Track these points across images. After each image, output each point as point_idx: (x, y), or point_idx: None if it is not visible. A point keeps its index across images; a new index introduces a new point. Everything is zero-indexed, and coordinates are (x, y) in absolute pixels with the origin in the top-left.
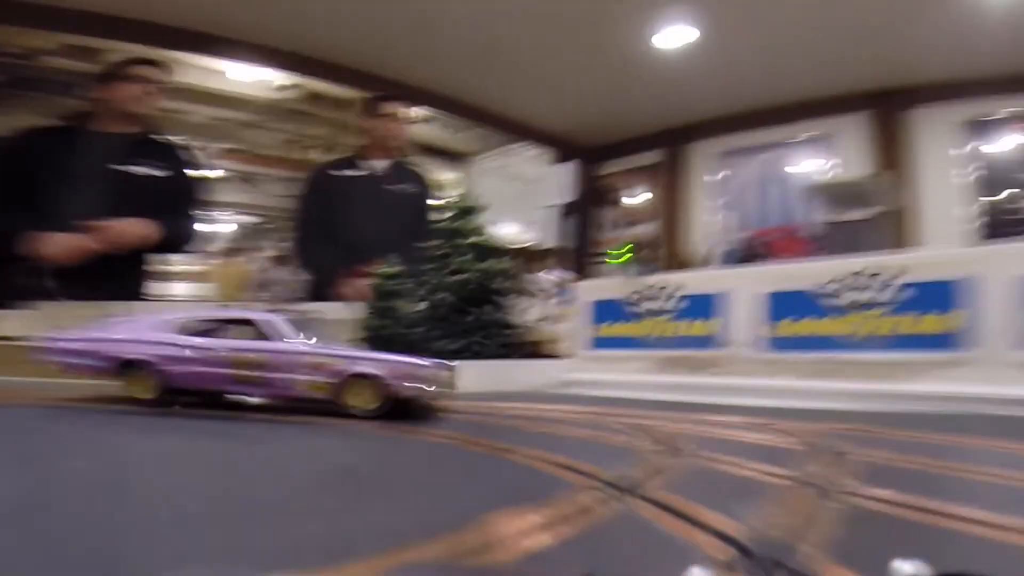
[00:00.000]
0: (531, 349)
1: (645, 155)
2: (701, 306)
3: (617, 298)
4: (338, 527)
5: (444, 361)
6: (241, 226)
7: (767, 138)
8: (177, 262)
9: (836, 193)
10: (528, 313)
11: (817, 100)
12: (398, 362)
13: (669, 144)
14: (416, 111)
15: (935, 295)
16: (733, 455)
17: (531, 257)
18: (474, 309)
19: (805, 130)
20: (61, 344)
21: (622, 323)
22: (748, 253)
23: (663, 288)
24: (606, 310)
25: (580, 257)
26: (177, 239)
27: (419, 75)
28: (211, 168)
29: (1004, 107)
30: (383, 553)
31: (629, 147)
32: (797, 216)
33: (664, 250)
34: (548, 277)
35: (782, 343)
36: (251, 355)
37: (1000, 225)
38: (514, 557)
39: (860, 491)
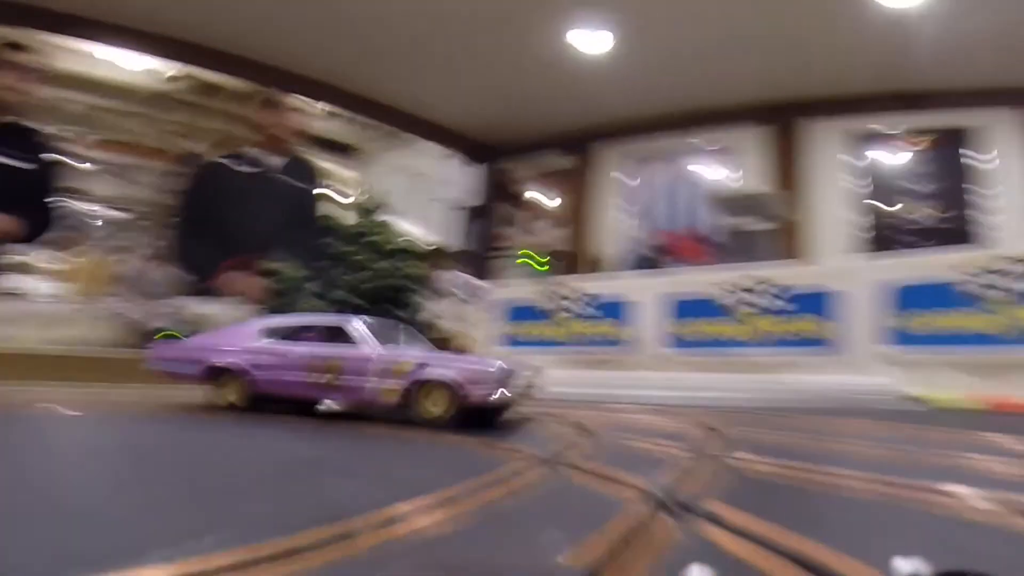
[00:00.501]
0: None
1: (555, 157)
2: (612, 309)
3: (530, 300)
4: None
5: (527, 362)
6: (113, 220)
7: (675, 144)
8: (38, 258)
9: (736, 204)
10: (438, 313)
11: (723, 109)
12: (470, 366)
13: (579, 146)
14: (314, 105)
15: (813, 302)
16: (641, 435)
17: (439, 257)
18: (383, 308)
19: (711, 138)
20: (161, 351)
21: (535, 323)
22: (654, 256)
23: (576, 292)
24: (519, 311)
25: (483, 257)
26: (37, 233)
27: (319, 68)
28: (83, 159)
29: (892, 122)
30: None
31: (538, 148)
32: (701, 221)
33: (574, 252)
34: (458, 278)
35: (684, 342)
36: (326, 360)
37: (885, 235)
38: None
39: (747, 460)
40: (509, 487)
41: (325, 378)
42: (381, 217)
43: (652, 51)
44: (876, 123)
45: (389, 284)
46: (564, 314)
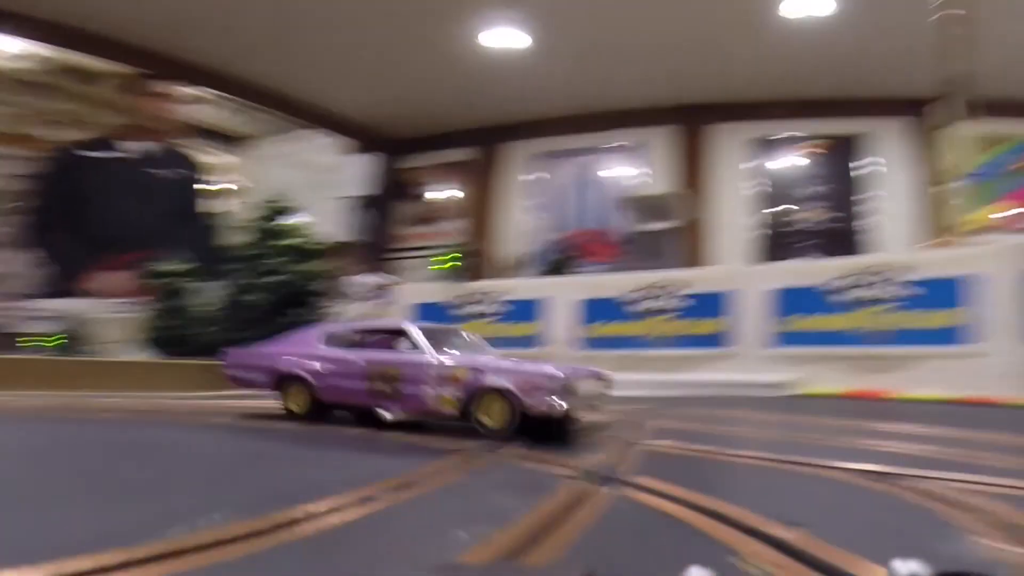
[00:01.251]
0: None
1: (458, 151)
2: (524, 310)
3: (441, 301)
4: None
5: (597, 369)
6: None
7: (584, 143)
8: None
9: (641, 205)
10: (347, 314)
11: (633, 110)
12: (532, 373)
13: (485, 142)
14: (191, 90)
15: (709, 304)
16: None
17: (345, 256)
18: (291, 310)
19: (621, 138)
20: (234, 358)
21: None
22: (561, 254)
23: (487, 293)
24: (430, 312)
25: (377, 252)
26: None
27: (197, 51)
28: None
29: (789, 128)
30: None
31: (441, 142)
32: (608, 220)
33: (483, 252)
34: (367, 279)
35: (594, 342)
36: (383, 367)
37: (780, 237)
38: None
39: (654, 442)
40: (465, 465)
41: (382, 386)
42: (286, 215)
43: (567, 51)
44: (775, 129)
45: (295, 285)
46: (480, 317)
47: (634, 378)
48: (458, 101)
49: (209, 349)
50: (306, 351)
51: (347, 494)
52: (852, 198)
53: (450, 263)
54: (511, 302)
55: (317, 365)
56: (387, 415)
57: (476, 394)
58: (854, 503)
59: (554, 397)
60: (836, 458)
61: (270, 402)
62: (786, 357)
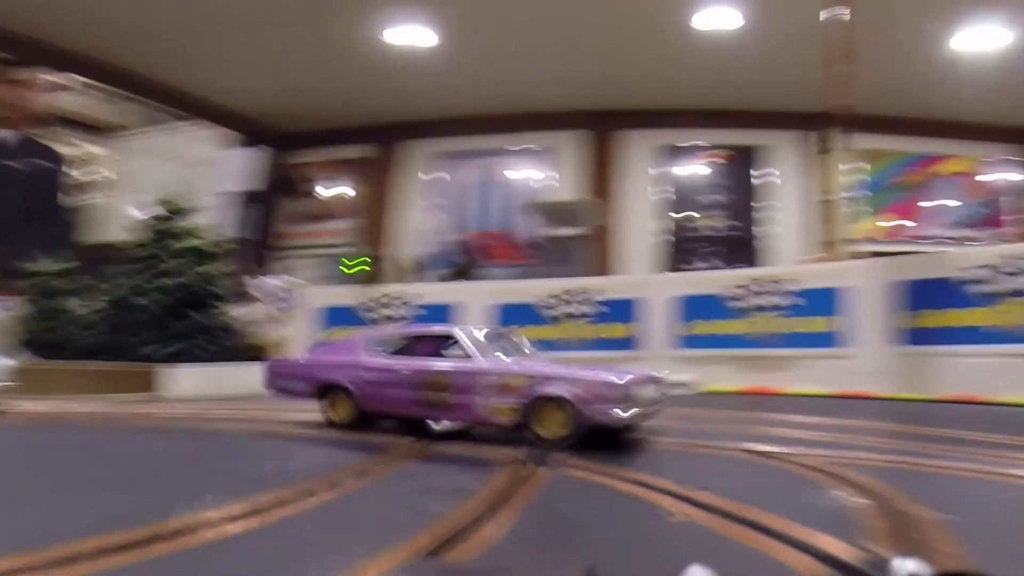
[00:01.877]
0: (253, 352)
1: (355, 148)
2: (437, 315)
3: (348, 305)
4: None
5: (653, 373)
6: None
7: (490, 144)
8: None
9: (550, 211)
10: (250, 316)
11: (541, 113)
12: (593, 381)
13: (385, 139)
14: (55, 77)
15: (620, 309)
16: None
17: (238, 257)
18: (192, 313)
19: (528, 141)
20: (275, 369)
21: (355, 327)
22: (463, 256)
23: (398, 297)
24: (336, 316)
25: (261, 249)
26: None
27: (62, 35)
28: None
29: (694, 137)
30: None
31: (337, 138)
32: (513, 223)
33: (383, 253)
34: (271, 281)
35: None
36: (432, 376)
37: (682, 243)
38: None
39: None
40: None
41: (431, 396)
42: (184, 215)
43: (474, 51)
44: (680, 137)
45: (203, 288)
46: (392, 321)
47: None
48: (357, 97)
49: (88, 353)
50: (349, 359)
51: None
52: (750, 207)
53: (359, 266)
54: (423, 307)
55: (361, 374)
56: (435, 426)
57: (533, 403)
58: (748, 473)
59: (617, 407)
60: (734, 440)
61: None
62: (689, 358)
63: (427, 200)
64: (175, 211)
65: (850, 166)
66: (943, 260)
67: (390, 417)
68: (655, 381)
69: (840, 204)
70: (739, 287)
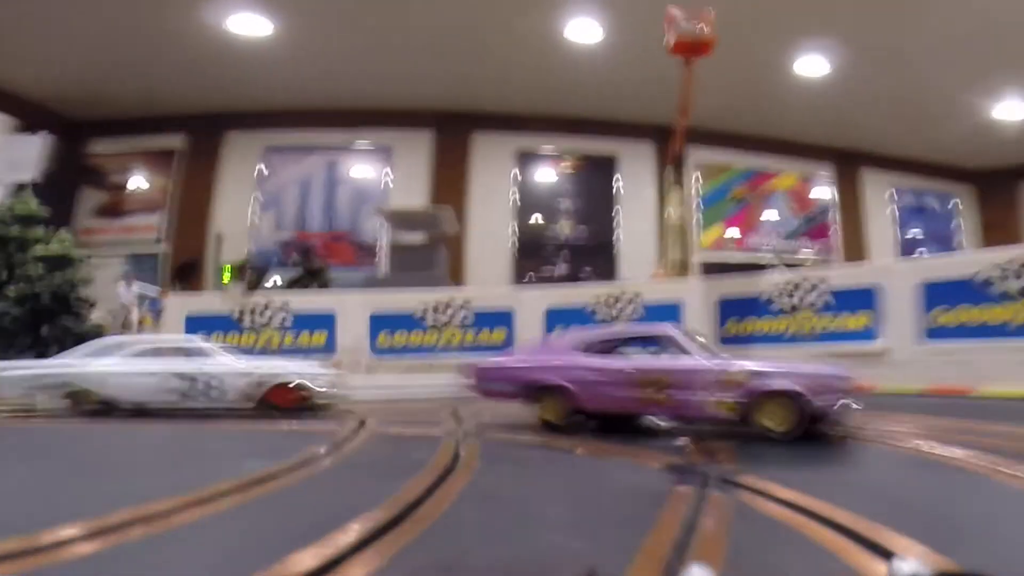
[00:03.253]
0: None
1: (168, 137)
2: (311, 321)
3: (217, 313)
4: None
5: (841, 368)
6: None
7: (329, 140)
8: None
9: (400, 219)
10: (111, 323)
11: (389, 110)
12: (820, 375)
13: (205, 129)
14: None
15: (493, 319)
16: (415, 413)
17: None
18: (48, 323)
19: (372, 138)
20: (479, 371)
21: (231, 334)
22: (293, 255)
23: (269, 306)
24: (203, 324)
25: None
26: None
27: None
28: None
29: (551, 144)
30: None
31: (145, 126)
32: (353, 223)
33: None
34: (130, 288)
35: (384, 351)
36: (650, 374)
37: (532, 247)
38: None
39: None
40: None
41: (654, 393)
42: (41, 229)
43: (315, 43)
44: (536, 143)
45: (59, 296)
46: (264, 328)
47: (425, 381)
48: (174, 83)
49: None
50: (563, 361)
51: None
52: (603, 214)
53: (230, 275)
54: (297, 314)
55: (578, 374)
56: (658, 422)
57: (758, 398)
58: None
59: (840, 397)
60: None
61: None
62: None
63: (258, 196)
64: (24, 219)
65: (688, 205)
66: (752, 282)
67: (606, 415)
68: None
69: (682, 231)
70: (599, 300)
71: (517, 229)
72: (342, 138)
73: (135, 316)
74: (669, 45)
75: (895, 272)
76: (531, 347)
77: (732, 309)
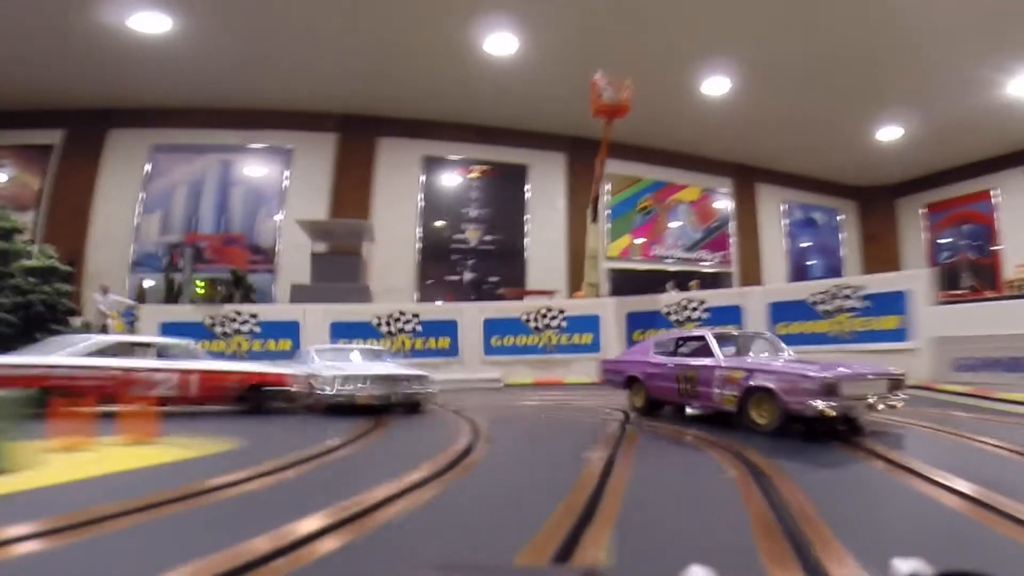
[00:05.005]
0: None
1: (44, 133)
2: (278, 329)
3: (188, 321)
4: None
5: (886, 369)
6: None
7: (218, 139)
8: None
9: (320, 229)
10: (98, 332)
11: (284, 112)
12: (795, 374)
13: (81, 125)
14: None
15: (440, 328)
16: None
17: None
18: (40, 329)
19: (267, 139)
20: (606, 364)
21: (202, 341)
22: (182, 257)
23: (239, 315)
24: (177, 330)
25: None
26: None
27: None
28: None
29: (461, 151)
30: None
31: (15, 120)
32: (241, 224)
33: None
34: (107, 296)
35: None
36: (686, 370)
37: (436, 252)
38: None
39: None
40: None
41: (686, 386)
42: (23, 240)
43: (217, 38)
44: (446, 150)
45: (51, 306)
46: (235, 335)
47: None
48: (55, 77)
49: None
50: (643, 359)
51: None
52: (512, 221)
53: (204, 287)
54: (265, 323)
55: (647, 369)
56: (690, 410)
57: (749, 393)
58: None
59: (815, 399)
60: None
61: None
62: (494, 363)
63: (135, 194)
64: (6, 231)
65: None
66: (653, 301)
67: (666, 404)
68: (892, 376)
69: (598, 260)
70: (531, 313)
71: (423, 235)
72: (238, 138)
73: (112, 323)
74: (592, 109)
75: (752, 295)
76: (639, 346)
77: (637, 321)
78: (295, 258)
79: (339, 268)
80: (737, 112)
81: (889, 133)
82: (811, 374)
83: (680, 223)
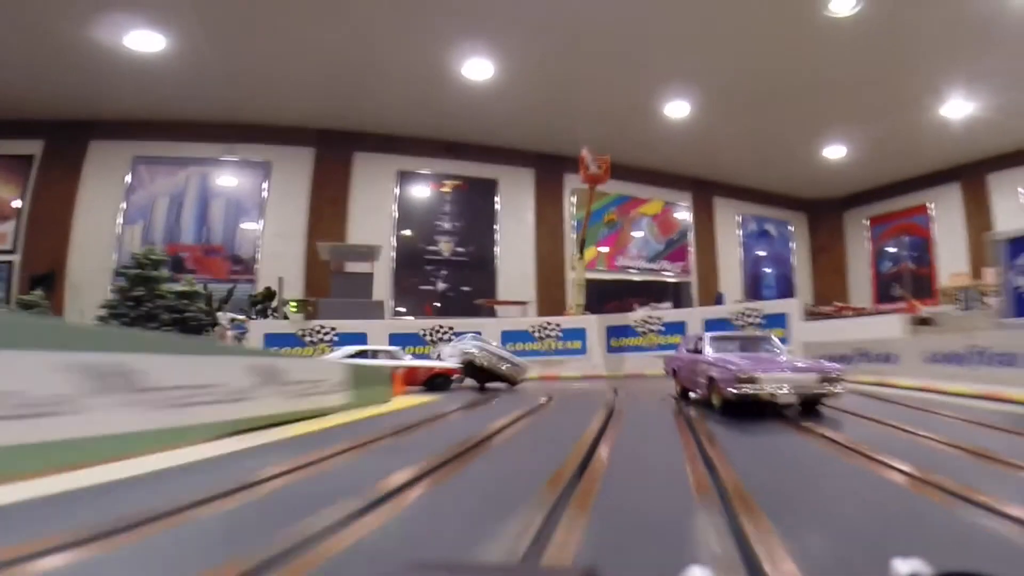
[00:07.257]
0: None
1: (20, 143)
2: (350, 339)
3: (285, 332)
4: None
5: (821, 366)
6: None
7: (199, 152)
8: None
9: (340, 252)
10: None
11: (264, 126)
12: (726, 367)
13: (62, 136)
14: None
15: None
16: None
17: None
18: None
19: (247, 152)
20: (666, 359)
21: (295, 348)
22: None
23: (322, 327)
24: (277, 340)
25: None
26: None
27: None
28: None
29: (436, 166)
30: None
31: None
32: (221, 235)
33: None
34: (225, 314)
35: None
36: (691, 364)
37: (410, 262)
38: None
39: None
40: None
41: (694, 376)
42: (161, 266)
43: (200, 55)
44: (420, 164)
45: (200, 321)
46: (320, 342)
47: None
48: (38, 88)
49: None
50: (677, 355)
51: None
52: (483, 234)
53: (296, 306)
54: (341, 334)
55: (677, 364)
56: (692, 395)
57: (711, 381)
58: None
59: (733, 386)
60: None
61: None
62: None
63: (124, 206)
64: (154, 262)
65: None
66: (625, 318)
67: (688, 390)
68: (814, 371)
69: (582, 285)
70: (534, 326)
71: (397, 246)
72: (219, 151)
73: (228, 336)
74: (582, 176)
75: (694, 313)
76: (680, 345)
77: (615, 332)
78: (276, 268)
79: (354, 285)
80: (696, 131)
81: (834, 151)
82: (732, 368)
83: (643, 234)
